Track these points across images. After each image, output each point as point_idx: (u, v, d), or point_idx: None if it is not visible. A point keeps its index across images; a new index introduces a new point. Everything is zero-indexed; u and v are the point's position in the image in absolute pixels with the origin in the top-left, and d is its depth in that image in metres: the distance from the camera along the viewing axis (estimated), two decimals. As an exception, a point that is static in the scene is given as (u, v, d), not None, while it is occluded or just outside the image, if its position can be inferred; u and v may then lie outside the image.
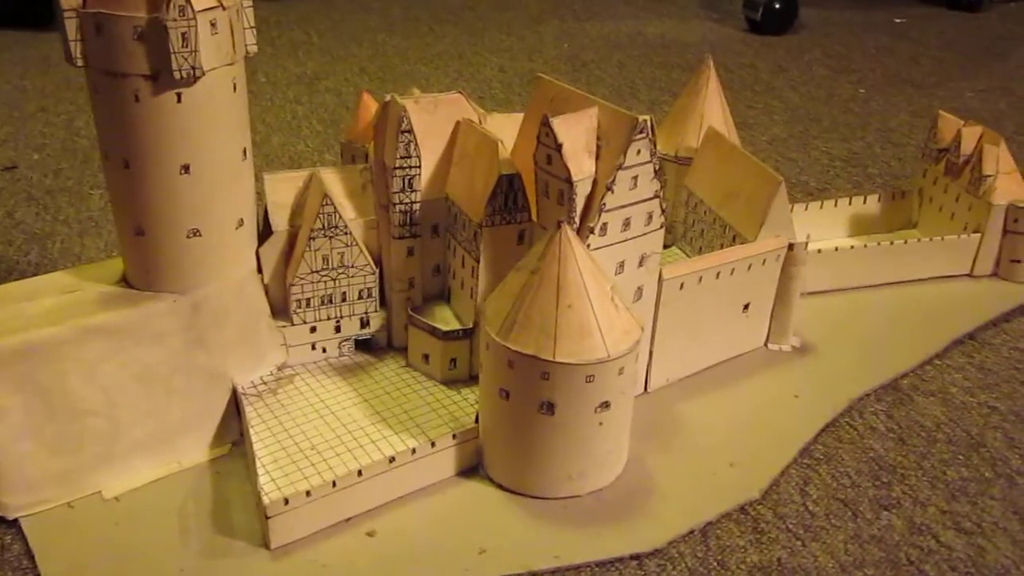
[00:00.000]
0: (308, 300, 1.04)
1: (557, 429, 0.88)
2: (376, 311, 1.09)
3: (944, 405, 1.09)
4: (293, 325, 1.05)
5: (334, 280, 1.04)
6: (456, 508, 0.91)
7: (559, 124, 0.91)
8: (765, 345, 1.19)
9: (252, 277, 1.02)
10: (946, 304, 1.30)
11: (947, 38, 2.82)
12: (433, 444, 0.92)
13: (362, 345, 1.11)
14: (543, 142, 0.93)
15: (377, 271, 1.07)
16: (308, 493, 0.85)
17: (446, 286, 1.12)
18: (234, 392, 1.00)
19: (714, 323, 1.11)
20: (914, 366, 1.16)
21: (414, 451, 0.90)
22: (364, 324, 1.09)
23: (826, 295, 1.30)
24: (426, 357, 1.06)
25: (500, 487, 0.94)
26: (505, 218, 0.99)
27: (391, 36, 2.72)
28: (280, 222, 1.03)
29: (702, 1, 3.22)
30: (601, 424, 0.89)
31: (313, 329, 1.07)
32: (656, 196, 0.96)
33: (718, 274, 1.07)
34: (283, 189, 1.04)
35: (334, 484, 0.86)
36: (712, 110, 1.29)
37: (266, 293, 1.04)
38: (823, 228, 1.41)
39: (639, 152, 0.91)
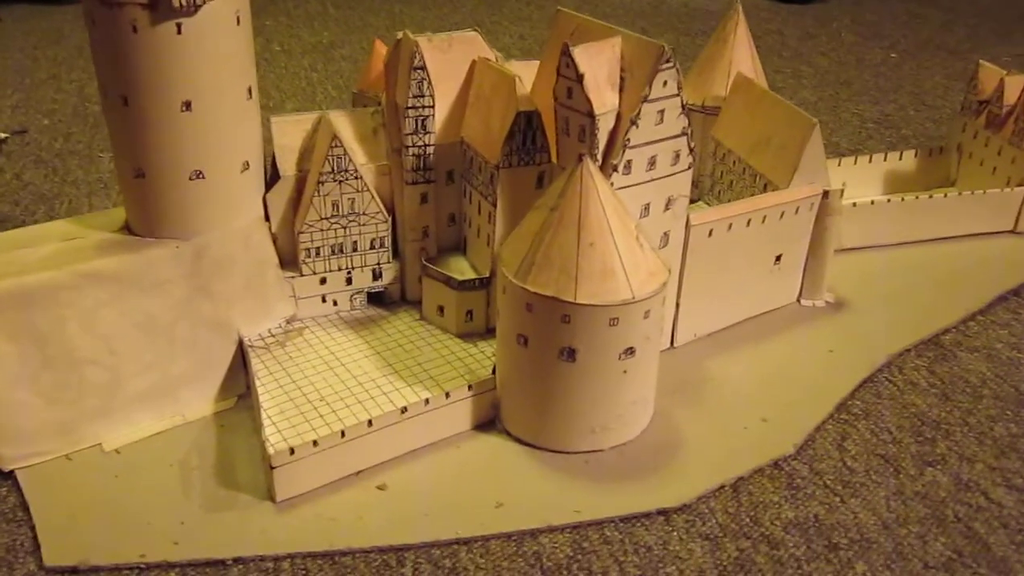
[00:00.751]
0: (317, 249, 1.00)
1: (578, 377, 0.83)
2: (389, 262, 1.04)
3: (989, 361, 1.03)
4: (302, 276, 1.01)
5: (344, 228, 1.00)
6: (471, 462, 0.86)
7: (580, 53, 0.85)
8: (797, 301, 1.13)
9: (259, 224, 0.97)
10: (988, 260, 1.23)
11: (981, 5, 2.73)
12: (448, 395, 0.87)
13: (374, 298, 1.06)
14: (563, 74, 0.87)
15: (389, 220, 1.02)
16: (315, 443, 0.80)
17: (462, 236, 1.06)
18: (240, 344, 0.96)
19: (744, 275, 1.05)
20: (956, 322, 1.10)
21: (427, 402, 0.86)
22: (376, 276, 1.04)
23: (861, 252, 1.24)
24: (441, 309, 1.01)
25: (518, 441, 0.89)
26: (523, 159, 0.94)
27: (408, 7, 2.66)
28: (288, 167, 0.98)
29: (726, -29, 3.14)
30: (625, 372, 0.84)
31: (323, 280, 1.02)
32: (684, 134, 0.90)
33: (748, 222, 1.01)
34: (291, 132, 0.99)
35: (343, 434, 0.81)
36: (741, 56, 1.22)
37: (274, 243, 0.99)
38: (857, 185, 1.35)
39: (665, 84, 0.86)
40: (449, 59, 0.99)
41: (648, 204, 0.92)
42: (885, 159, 1.39)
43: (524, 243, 0.83)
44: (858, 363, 1.01)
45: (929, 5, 2.72)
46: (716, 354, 1.03)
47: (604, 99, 0.86)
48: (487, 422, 0.91)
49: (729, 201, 1.19)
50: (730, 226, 1.00)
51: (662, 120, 0.87)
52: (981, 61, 1.37)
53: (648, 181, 0.90)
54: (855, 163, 1.36)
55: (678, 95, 0.87)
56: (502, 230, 0.96)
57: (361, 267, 1.03)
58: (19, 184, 1.46)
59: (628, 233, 0.82)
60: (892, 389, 0.98)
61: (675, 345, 1.04)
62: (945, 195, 1.26)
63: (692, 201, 1.27)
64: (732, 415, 0.93)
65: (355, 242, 1.01)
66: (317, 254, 1.00)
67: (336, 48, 2.25)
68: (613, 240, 0.80)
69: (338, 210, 0.98)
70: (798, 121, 1.06)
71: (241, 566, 0.75)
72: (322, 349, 0.98)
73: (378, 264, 1.04)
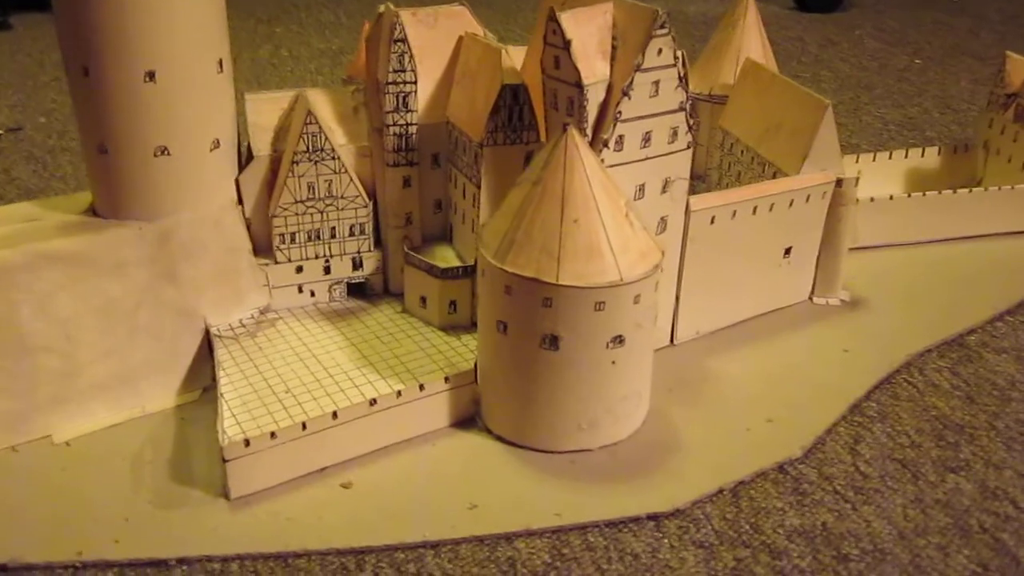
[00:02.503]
0: (292, 235, 0.94)
1: (562, 368, 0.76)
2: (370, 251, 0.98)
3: (1019, 362, 0.95)
4: (276, 263, 0.95)
5: (321, 212, 0.94)
6: (446, 461, 0.79)
7: (568, 20, 0.79)
8: (810, 299, 1.05)
9: (231, 207, 0.92)
10: (1017, 259, 1.15)
11: (1008, 13, 2.65)
12: (422, 387, 0.80)
13: (355, 290, 1.00)
14: (550, 42, 0.81)
15: (370, 205, 0.96)
16: (273, 435, 0.74)
17: (448, 225, 1.00)
18: (207, 334, 0.90)
19: (751, 268, 0.98)
20: (982, 322, 1.01)
21: (399, 394, 0.79)
22: (357, 265, 0.98)
23: (880, 250, 1.16)
24: (423, 300, 0.95)
25: (500, 440, 0.82)
26: (509, 137, 0.88)
27: (420, 15, 2.63)
28: (262, 146, 0.93)
29: (747, -17, 3.08)
30: (614, 363, 0.77)
31: (299, 269, 0.96)
32: (682, 109, 0.83)
33: (754, 209, 0.94)
34: (266, 111, 0.94)
35: (304, 427, 0.75)
36: (750, 42, 1.16)
37: (248, 228, 0.94)
38: (877, 183, 1.27)
39: (660, 52, 0.79)
40: (435, 35, 0.93)
41: (643, 185, 0.85)
42: (906, 156, 1.31)
43: (505, 221, 0.77)
44: (875, 363, 0.94)
45: (955, 12, 2.64)
46: (720, 352, 0.95)
47: (594, 68, 0.80)
48: (467, 419, 0.84)
49: (737, 194, 1.12)
50: (734, 213, 0.93)
51: (657, 92, 0.81)
52: (1009, 53, 1.30)
53: (643, 159, 0.83)
54: (874, 159, 1.29)
55: (675, 65, 0.81)
56: (486, 214, 0.89)
57: (340, 255, 0.97)
58: (6, 179, 1.42)
59: (617, 210, 0.75)
60: (911, 391, 0.90)
61: (675, 343, 0.96)
62: (970, 191, 1.18)
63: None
64: (735, 415, 0.86)
65: (333, 228, 0.95)
66: (292, 240, 0.94)
67: (345, 54, 2.21)
68: (600, 217, 0.73)
69: (314, 193, 0.92)
70: (809, 103, 0.99)
71: (185, 567, 0.69)
72: (294, 340, 0.91)
73: (358, 252, 0.97)
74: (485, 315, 0.79)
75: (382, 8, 0.92)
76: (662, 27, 0.78)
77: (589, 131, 0.81)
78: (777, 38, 2.32)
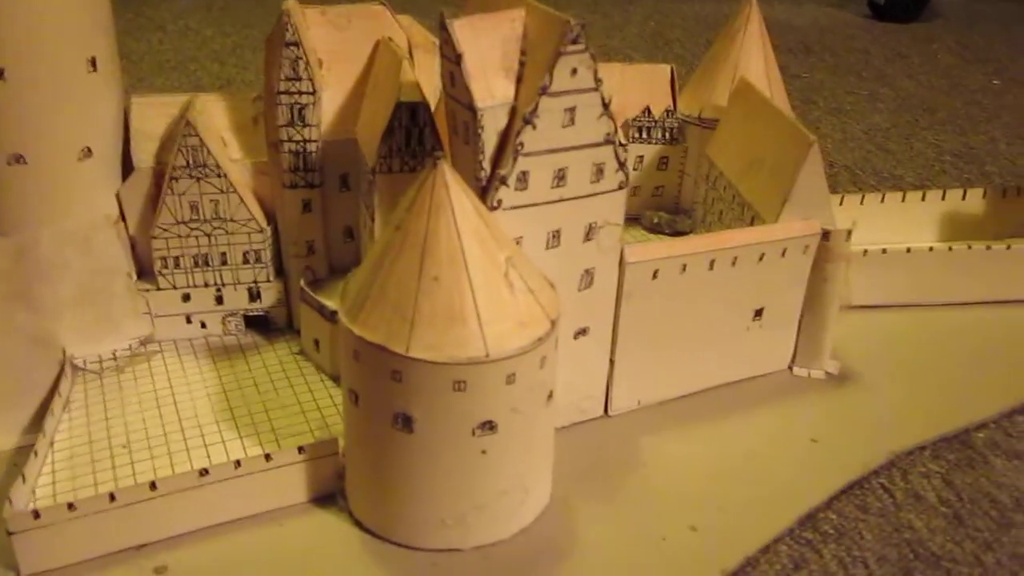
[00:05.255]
0: (176, 259, 0.83)
1: (418, 454, 0.62)
2: (269, 281, 0.86)
3: (1033, 474, 0.76)
4: (160, 289, 0.84)
5: (208, 236, 0.82)
6: (289, 547, 0.67)
7: (463, 28, 0.65)
8: (789, 368, 0.88)
9: (105, 225, 0.81)
10: (1060, 335, 0.95)
11: (1118, 32, 2.36)
12: (268, 457, 0.67)
13: (257, 323, 0.88)
14: (444, 54, 0.67)
15: (269, 230, 0.84)
16: (71, 506, 0.62)
17: (360, 255, 0.87)
18: (67, 365, 0.79)
19: (709, 331, 0.82)
20: (996, 415, 0.83)
21: (239, 464, 0.66)
22: (254, 296, 0.86)
23: (888, 311, 0.98)
24: (317, 343, 0.82)
25: (360, 526, 0.68)
26: (407, 163, 0.74)
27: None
28: (145, 157, 0.82)
29: (824, -14, 2.85)
30: (484, 453, 0.62)
31: (186, 297, 0.85)
32: (608, 142, 0.68)
33: (711, 263, 0.78)
34: (152, 116, 0.83)
35: (112, 498, 0.63)
36: (750, 59, 0.99)
37: (133, 249, 0.83)
38: (903, 228, 1.08)
39: (575, 72, 0.64)
40: (348, 38, 0.81)
41: (558, 231, 0.70)
42: (944, 198, 1.11)
43: (366, 270, 0.63)
44: (848, 460, 0.77)
45: (1053, 29, 2.37)
46: (661, 430, 0.80)
47: (492, 88, 0.65)
48: (329, 495, 0.71)
49: (718, 236, 0.95)
50: (684, 267, 0.77)
51: (572, 121, 0.66)
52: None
53: (556, 201, 0.69)
54: (903, 200, 1.10)
55: (596, 89, 0.66)
56: (383, 251, 0.76)
57: (234, 284, 0.85)
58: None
59: (493, 267, 0.60)
60: (886, 501, 0.73)
61: (610, 413, 0.81)
62: (1008, 247, 0.99)
63: (680, 233, 1.05)
64: (654, 517, 0.70)
65: (224, 254, 0.83)
66: (176, 265, 0.83)
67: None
68: (467, 274, 0.59)
69: (198, 213, 0.81)
70: (793, 138, 0.83)
71: (-65, 663, 0.58)
72: (162, 381, 0.80)
73: (255, 282, 0.86)
74: (343, 381, 0.66)
75: (286, 4, 0.79)
76: (575, 41, 0.63)
77: (487, 164, 0.67)
78: (839, 48, 2.11)
